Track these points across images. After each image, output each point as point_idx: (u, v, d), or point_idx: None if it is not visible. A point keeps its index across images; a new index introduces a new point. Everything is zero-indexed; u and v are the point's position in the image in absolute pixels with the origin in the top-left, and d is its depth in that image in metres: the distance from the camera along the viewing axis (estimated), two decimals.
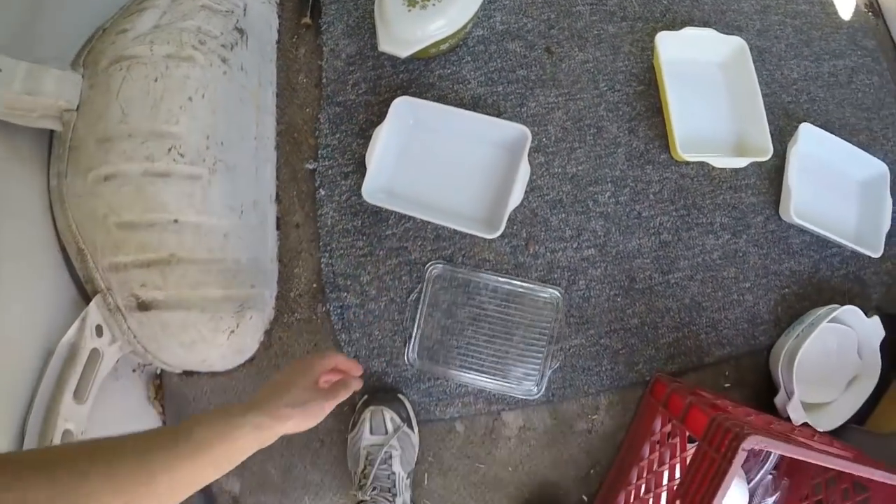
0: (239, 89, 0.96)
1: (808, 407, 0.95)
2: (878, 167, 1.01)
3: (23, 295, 0.78)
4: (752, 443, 0.69)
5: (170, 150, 0.85)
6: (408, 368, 1.01)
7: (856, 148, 1.01)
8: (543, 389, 1.00)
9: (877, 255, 1.00)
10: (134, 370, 1.02)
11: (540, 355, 1.00)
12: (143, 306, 0.89)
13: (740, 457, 0.69)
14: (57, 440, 0.73)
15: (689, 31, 1.00)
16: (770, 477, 0.91)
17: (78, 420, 0.78)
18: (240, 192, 0.95)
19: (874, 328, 0.97)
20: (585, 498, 1.05)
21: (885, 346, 0.99)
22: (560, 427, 1.04)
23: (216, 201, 0.90)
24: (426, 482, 1.05)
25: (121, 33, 0.87)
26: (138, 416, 1.05)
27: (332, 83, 1.06)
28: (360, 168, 0.99)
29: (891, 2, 1.10)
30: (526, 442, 1.04)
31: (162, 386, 1.09)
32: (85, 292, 0.90)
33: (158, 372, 1.10)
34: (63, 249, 0.88)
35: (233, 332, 0.97)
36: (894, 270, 1.05)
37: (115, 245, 0.85)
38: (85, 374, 0.82)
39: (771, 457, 0.91)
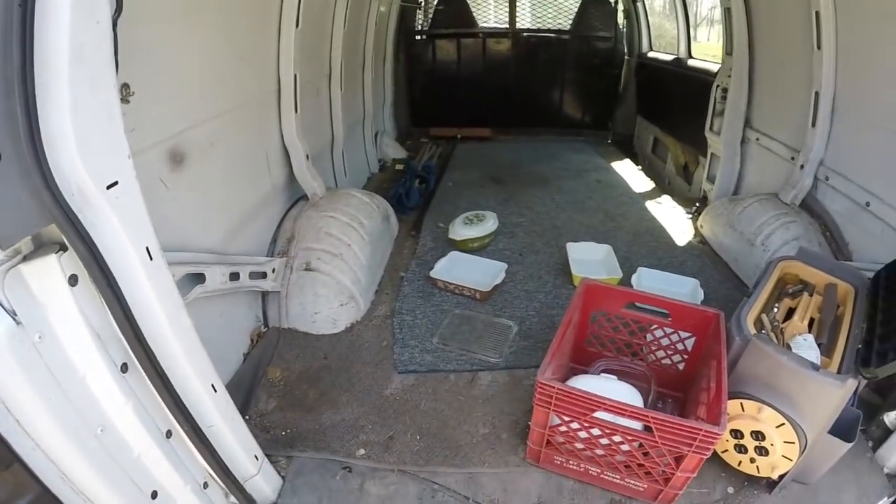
0: (384, 230, 2.30)
1: None
2: (693, 282, 2.05)
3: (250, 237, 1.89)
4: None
5: (357, 226, 2.10)
6: (432, 344, 1.85)
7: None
8: (504, 359, 1.78)
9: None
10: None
11: (502, 347, 1.83)
12: (309, 268, 1.95)
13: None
14: (195, 296, 1.67)
15: (584, 243, 2.31)
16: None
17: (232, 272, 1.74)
18: (371, 259, 2.12)
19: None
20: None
21: None
22: (514, 381, 1.74)
23: (365, 251, 2.09)
24: (422, 405, 1.67)
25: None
26: (235, 343, 1.80)
27: (420, 252, 2.38)
28: (427, 281, 2.15)
29: (711, 236, 2.38)
30: (493, 387, 1.73)
31: (262, 336, 1.90)
32: (270, 254, 1.97)
33: (264, 329, 1.92)
34: (274, 238, 2.01)
35: (342, 304, 1.94)
36: None
37: (316, 238, 2.00)
38: (251, 281, 1.80)
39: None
